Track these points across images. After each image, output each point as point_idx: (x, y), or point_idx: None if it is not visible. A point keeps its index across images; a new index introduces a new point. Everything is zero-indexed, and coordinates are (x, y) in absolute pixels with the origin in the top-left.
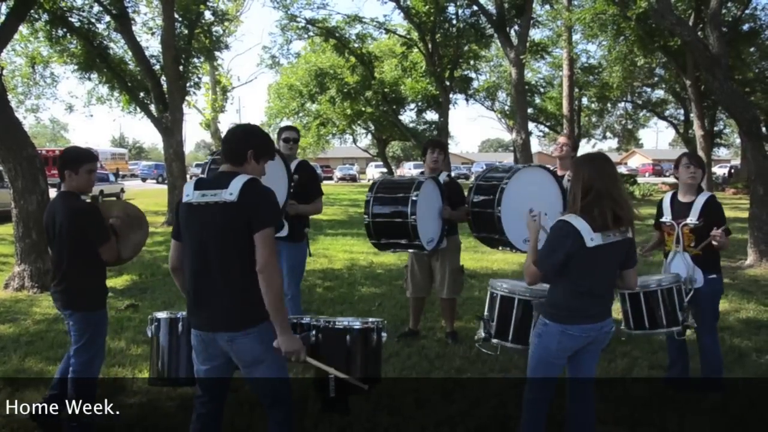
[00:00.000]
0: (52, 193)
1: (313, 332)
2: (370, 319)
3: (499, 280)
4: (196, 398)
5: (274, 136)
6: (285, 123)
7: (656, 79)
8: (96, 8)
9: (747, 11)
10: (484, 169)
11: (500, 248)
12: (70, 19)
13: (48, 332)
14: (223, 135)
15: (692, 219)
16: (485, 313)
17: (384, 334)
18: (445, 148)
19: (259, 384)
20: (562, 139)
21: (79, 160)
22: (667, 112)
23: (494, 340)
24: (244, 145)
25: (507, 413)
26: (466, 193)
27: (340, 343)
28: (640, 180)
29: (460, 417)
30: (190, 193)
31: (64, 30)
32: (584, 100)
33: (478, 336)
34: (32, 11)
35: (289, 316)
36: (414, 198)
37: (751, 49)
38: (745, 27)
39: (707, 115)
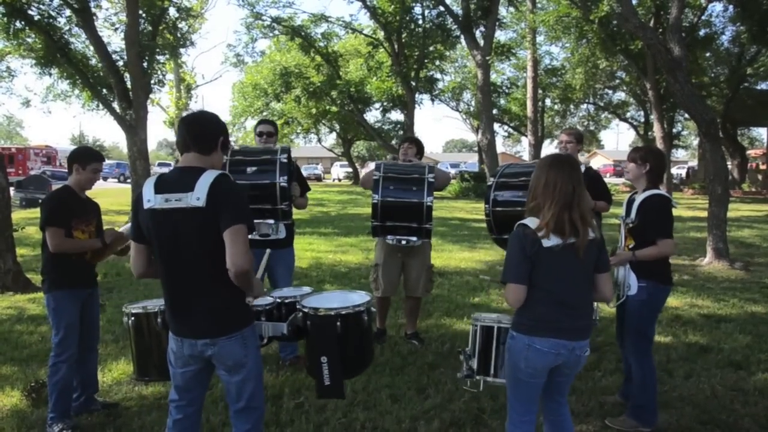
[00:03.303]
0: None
1: (300, 314)
2: (360, 297)
3: (484, 314)
4: (171, 402)
5: (238, 135)
6: (250, 122)
7: (617, 81)
8: (56, 1)
9: (703, 17)
10: (503, 166)
11: None
12: (29, 11)
13: (11, 333)
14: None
15: (630, 217)
16: (467, 348)
17: (373, 309)
18: (417, 143)
19: (238, 388)
20: (563, 137)
21: (88, 158)
22: (627, 114)
23: (479, 377)
24: (216, 130)
25: (480, 406)
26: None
27: (331, 329)
28: None
29: (435, 411)
30: (151, 198)
31: (22, 23)
32: (547, 102)
33: (461, 374)
34: None
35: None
36: None
37: (707, 54)
38: (701, 33)
39: (666, 117)
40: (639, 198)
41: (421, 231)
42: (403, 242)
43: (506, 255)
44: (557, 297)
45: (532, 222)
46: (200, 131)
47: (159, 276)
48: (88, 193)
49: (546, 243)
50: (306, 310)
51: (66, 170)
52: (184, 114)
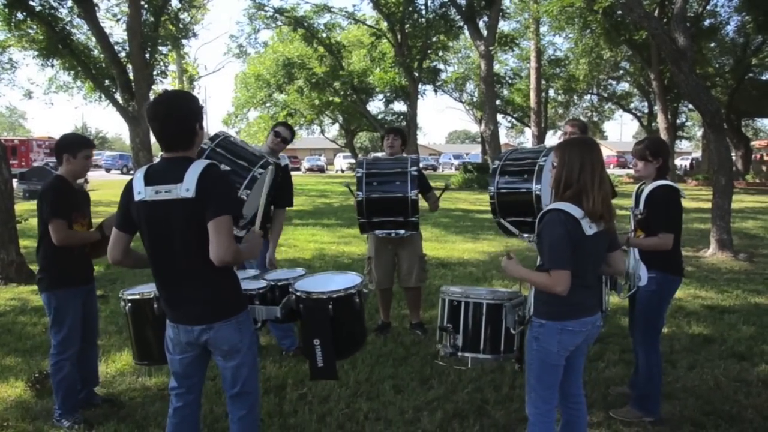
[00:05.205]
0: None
1: (293, 297)
2: (352, 279)
3: (452, 287)
4: (171, 391)
5: (240, 126)
6: (252, 113)
7: (621, 72)
8: None
9: (708, 7)
10: (507, 151)
11: (525, 236)
12: (30, 2)
13: (14, 324)
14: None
15: (639, 209)
16: (445, 324)
17: (365, 291)
18: (401, 134)
19: (233, 373)
20: (568, 128)
21: (78, 146)
22: (631, 105)
23: (465, 354)
24: (190, 123)
25: (483, 397)
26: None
27: (323, 311)
28: None
29: (438, 402)
30: (142, 191)
31: (24, 14)
32: (551, 92)
33: (444, 351)
34: None
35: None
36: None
37: (712, 45)
38: (706, 22)
39: (670, 108)
40: (647, 189)
41: (407, 224)
42: (393, 234)
43: (549, 242)
44: (585, 282)
45: (570, 208)
46: (173, 135)
47: (150, 266)
48: (90, 185)
49: (588, 231)
50: (299, 293)
51: None
52: (148, 108)
